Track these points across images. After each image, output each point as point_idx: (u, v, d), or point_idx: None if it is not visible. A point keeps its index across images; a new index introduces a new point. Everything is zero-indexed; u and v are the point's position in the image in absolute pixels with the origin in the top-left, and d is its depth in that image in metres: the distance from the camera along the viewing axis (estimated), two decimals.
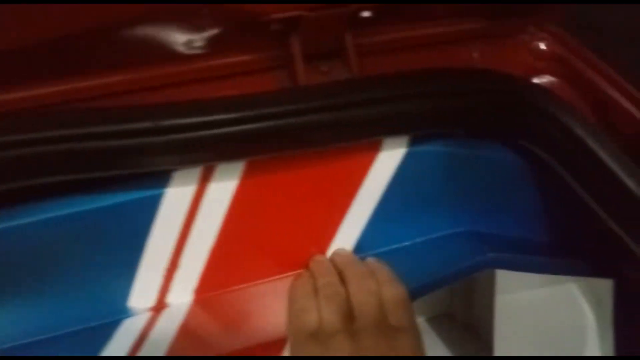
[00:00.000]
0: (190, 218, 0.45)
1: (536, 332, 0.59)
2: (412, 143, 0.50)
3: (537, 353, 0.59)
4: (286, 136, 0.42)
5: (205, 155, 0.42)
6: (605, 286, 0.53)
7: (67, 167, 0.39)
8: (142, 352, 0.43)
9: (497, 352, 0.63)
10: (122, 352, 0.44)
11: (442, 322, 0.80)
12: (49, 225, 0.41)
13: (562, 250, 0.55)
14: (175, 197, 0.44)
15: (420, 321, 0.80)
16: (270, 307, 0.48)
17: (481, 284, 0.65)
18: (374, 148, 0.49)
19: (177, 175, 0.44)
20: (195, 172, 0.44)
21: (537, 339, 0.59)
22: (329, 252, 0.52)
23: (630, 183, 0.45)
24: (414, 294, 0.49)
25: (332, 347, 0.39)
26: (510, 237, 0.55)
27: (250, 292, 0.49)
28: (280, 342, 0.47)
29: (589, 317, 0.55)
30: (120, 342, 0.44)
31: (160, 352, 0.44)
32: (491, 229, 0.55)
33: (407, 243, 0.53)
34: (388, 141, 0.50)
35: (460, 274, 0.52)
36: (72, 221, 0.42)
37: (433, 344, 0.76)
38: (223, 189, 0.45)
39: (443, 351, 0.73)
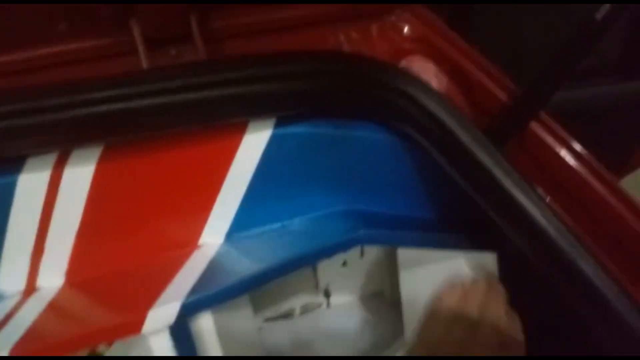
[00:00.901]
0: (50, 203, 0.47)
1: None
2: (278, 125, 0.51)
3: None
4: (127, 120, 0.43)
5: (52, 138, 0.43)
6: (490, 259, 0.52)
7: None
8: (4, 331, 0.45)
9: (407, 324, 0.63)
10: None
11: (373, 300, 0.80)
12: None
13: (444, 225, 0.55)
14: (30, 183, 0.45)
15: (353, 300, 0.81)
16: (137, 289, 0.49)
17: None
18: (239, 131, 0.50)
19: (31, 162, 0.46)
20: (50, 158, 0.46)
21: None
22: (204, 234, 0.53)
23: (484, 159, 0.45)
24: (284, 269, 0.50)
25: None
26: (390, 215, 0.55)
27: (120, 275, 0.50)
28: (139, 323, 0.47)
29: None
30: None
31: (23, 328, 0.45)
32: (369, 208, 0.55)
33: (282, 223, 0.54)
34: (253, 124, 0.50)
35: (331, 250, 0.52)
36: None
37: (364, 322, 0.76)
38: (81, 174, 0.47)
39: (373, 328, 0.73)
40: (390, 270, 0.75)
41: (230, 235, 0.53)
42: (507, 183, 0.44)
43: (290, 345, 0.74)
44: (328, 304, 0.81)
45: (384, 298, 0.80)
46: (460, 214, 0.54)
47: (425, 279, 0.58)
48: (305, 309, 0.81)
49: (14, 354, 0.41)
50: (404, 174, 0.53)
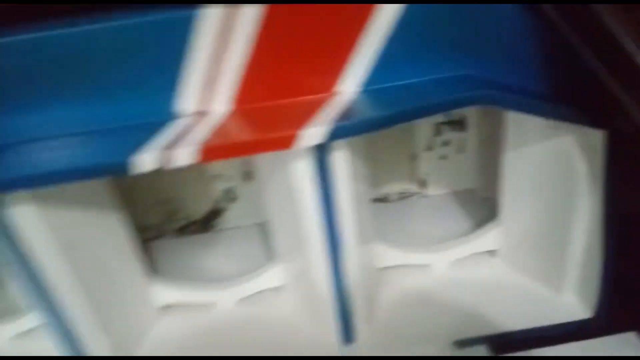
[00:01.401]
0: (224, 37, 0.53)
1: (534, 184, 0.64)
2: None
3: (535, 204, 0.64)
4: None
5: None
6: (597, 138, 0.57)
7: None
8: (189, 136, 0.53)
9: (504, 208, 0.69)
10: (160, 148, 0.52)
11: (465, 195, 0.86)
12: (102, 33, 0.51)
13: (557, 98, 0.58)
14: (210, 17, 0.52)
15: (447, 193, 0.87)
16: (292, 118, 0.56)
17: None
18: None
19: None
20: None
21: (536, 192, 0.64)
22: (342, 81, 0.58)
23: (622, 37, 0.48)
24: (412, 115, 0.55)
25: None
26: (508, 83, 0.59)
27: (278, 106, 0.57)
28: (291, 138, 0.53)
29: (581, 168, 0.59)
30: (163, 136, 0.54)
31: (204, 133, 0.52)
32: (491, 75, 0.59)
33: (411, 81, 0.59)
34: None
35: (456, 103, 0.57)
36: (122, 31, 0.51)
37: (455, 214, 0.82)
38: (251, 14, 0.53)
39: (463, 222, 0.80)
40: (487, 168, 0.80)
41: (364, 86, 0.58)
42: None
43: (386, 224, 0.81)
44: (423, 194, 0.88)
45: (475, 195, 0.86)
46: (576, 91, 0.57)
47: (531, 156, 0.63)
48: (401, 196, 0.88)
49: (204, 149, 0.50)
50: (526, 45, 0.56)
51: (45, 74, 0.52)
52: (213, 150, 0.51)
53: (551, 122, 0.59)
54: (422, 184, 0.87)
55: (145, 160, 0.49)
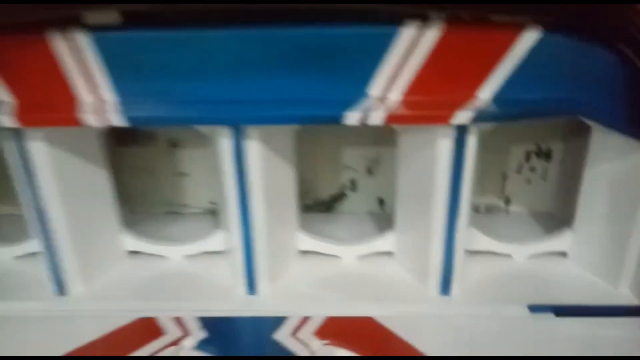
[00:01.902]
0: (411, 48, 0.73)
1: (604, 202, 0.82)
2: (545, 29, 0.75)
3: (603, 216, 0.82)
4: None
5: None
6: None
7: None
8: None
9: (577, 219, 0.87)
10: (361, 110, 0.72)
11: (543, 217, 1.04)
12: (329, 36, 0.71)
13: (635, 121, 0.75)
14: (404, 34, 0.73)
15: (527, 212, 1.06)
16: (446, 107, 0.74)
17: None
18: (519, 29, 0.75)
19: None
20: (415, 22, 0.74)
21: (604, 207, 0.82)
22: (482, 89, 0.76)
23: None
24: (526, 114, 0.75)
25: None
26: (600, 105, 0.77)
27: (436, 100, 0.76)
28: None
29: None
30: (360, 106, 0.71)
31: None
32: (587, 99, 0.76)
33: (526, 96, 0.76)
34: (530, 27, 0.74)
35: (557, 111, 0.76)
36: (347, 35, 0.70)
37: (534, 231, 1.00)
38: (432, 35, 0.74)
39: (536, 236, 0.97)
40: (565, 194, 0.98)
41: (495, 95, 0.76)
42: None
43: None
44: (507, 210, 1.07)
45: (552, 217, 1.04)
46: None
47: (605, 179, 0.81)
48: (488, 209, 1.07)
49: (389, 115, 0.73)
50: (617, 81, 0.73)
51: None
52: (394, 118, 0.71)
53: (626, 144, 0.77)
54: (507, 201, 1.06)
55: (353, 116, 0.71)
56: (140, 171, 1.02)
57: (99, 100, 0.73)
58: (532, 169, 1.03)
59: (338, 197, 1.07)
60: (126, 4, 0.67)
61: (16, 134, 0.72)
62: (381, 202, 1.06)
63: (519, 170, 1.03)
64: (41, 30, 0.68)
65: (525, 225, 1.02)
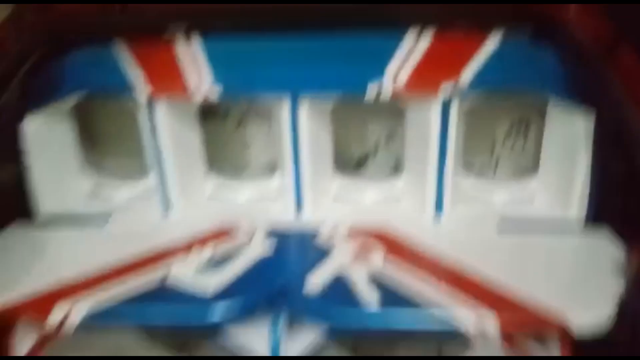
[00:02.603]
0: (414, 47, 1.09)
1: (561, 151, 1.12)
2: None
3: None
4: None
5: None
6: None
7: None
8: None
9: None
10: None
11: (523, 174, 1.34)
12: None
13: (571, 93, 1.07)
14: (409, 38, 1.08)
15: (508, 171, 1.36)
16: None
17: None
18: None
19: None
20: None
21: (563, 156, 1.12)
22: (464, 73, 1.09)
23: None
24: (501, 88, 1.09)
25: None
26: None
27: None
28: None
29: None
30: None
31: None
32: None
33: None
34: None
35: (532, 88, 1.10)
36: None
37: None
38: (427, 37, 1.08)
39: None
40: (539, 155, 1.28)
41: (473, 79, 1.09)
42: None
43: None
44: (495, 170, 1.37)
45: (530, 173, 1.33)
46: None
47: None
48: (481, 167, 1.38)
49: (407, 83, 1.07)
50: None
51: None
52: (401, 92, 1.04)
53: (568, 110, 1.07)
54: (496, 162, 1.36)
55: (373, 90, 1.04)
56: (214, 142, 1.38)
57: (202, 82, 1.08)
58: (515, 138, 1.33)
59: (362, 161, 1.40)
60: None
61: (148, 104, 1.08)
62: (397, 165, 1.38)
63: (505, 138, 1.34)
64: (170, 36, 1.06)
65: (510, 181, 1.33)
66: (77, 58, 1.14)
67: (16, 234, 1.12)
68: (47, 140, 1.16)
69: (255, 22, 1.12)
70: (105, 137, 1.33)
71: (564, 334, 0.84)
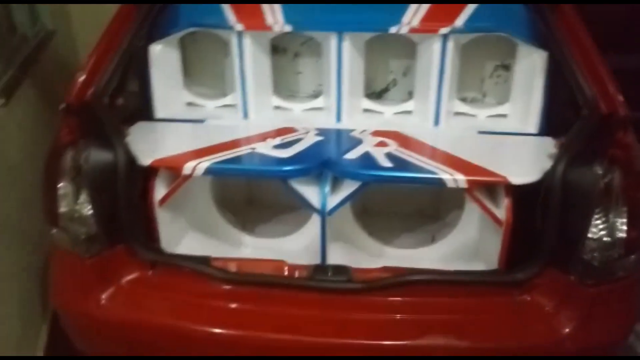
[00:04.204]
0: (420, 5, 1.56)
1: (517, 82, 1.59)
2: None
3: None
4: None
5: None
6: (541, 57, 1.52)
7: None
8: None
9: None
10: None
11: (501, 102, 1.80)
12: None
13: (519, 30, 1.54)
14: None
15: (492, 102, 1.83)
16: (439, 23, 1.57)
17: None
18: None
19: None
20: None
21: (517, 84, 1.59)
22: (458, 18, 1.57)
23: None
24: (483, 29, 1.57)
25: None
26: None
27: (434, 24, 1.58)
28: None
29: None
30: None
31: None
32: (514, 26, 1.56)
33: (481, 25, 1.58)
34: None
35: (489, 29, 1.58)
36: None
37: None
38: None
39: None
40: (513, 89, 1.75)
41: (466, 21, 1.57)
42: None
43: None
44: (483, 100, 1.84)
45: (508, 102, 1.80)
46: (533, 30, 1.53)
47: None
48: (472, 99, 1.85)
49: (420, 25, 1.55)
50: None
51: None
52: (413, 30, 1.53)
53: (532, 49, 1.53)
54: (484, 95, 1.83)
55: (394, 29, 1.53)
56: (275, 70, 1.85)
57: (277, 22, 1.56)
58: (499, 76, 1.79)
59: (384, 90, 1.88)
60: None
61: (238, 35, 1.58)
62: (410, 93, 1.85)
63: (490, 76, 1.80)
64: None
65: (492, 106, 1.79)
66: (187, 2, 1.63)
67: (144, 126, 1.62)
68: (163, 62, 1.66)
69: None
70: (200, 64, 1.82)
71: (508, 186, 1.33)
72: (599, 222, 1.24)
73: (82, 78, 1.45)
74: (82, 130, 1.39)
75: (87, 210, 1.36)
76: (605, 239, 1.24)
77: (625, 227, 1.23)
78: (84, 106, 1.41)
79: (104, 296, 1.39)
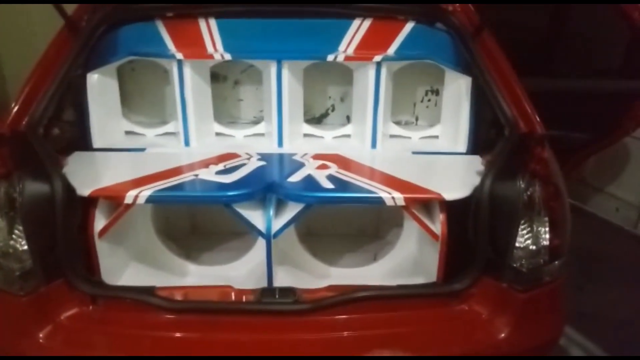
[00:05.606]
0: (356, 30, 1.65)
1: (452, 104, 1.71)
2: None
3: None
4: None
5: None
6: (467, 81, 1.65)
7: None
8: None
9: None
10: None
11: (432, 124, 1.92)
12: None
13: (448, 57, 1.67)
14: (354, 24, 1.64)
15: (424, 124, 1.94)
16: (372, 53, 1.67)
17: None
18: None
19: None
20: None
21: (452, 107, 1.71)
22: (391, 47, 1.67)
23: None
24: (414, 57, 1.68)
25: None
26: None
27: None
28: None
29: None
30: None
31: None
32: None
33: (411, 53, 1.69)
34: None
35: (424, 57, 1.69)
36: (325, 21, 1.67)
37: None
38: (366, 24, 1.65)
39: None
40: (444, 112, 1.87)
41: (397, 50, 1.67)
42: None
43: None
44: (415, 123, 1.95)
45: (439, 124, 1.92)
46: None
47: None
48: (406, 122, 1.95)
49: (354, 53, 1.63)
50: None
51: None
52: (348, 58, 1.62)
53: (458, 75, 1.66)
54: (417, 118, 1.94)
55: (331, 57, 1.60)
56: (216, 98, 1.88)
57: (217, 50, 1.60)
58: (429, 100, 1.91)
59: (324, 115, 1.94)
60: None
61: (178, 63, 1.59)
62: (348, 117, 1.93)
63: (422, 100, 1.91)
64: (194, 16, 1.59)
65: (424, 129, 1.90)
66: (126, 31, 1.63)
67: (82, 156, 1.59)
68: (101, 90, 1.64)
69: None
70: (139, 92, 1.82)
71: (442, 202, 1.41)
72: (524, 231, 1.34)
73: (15, 108, 1.41)
74: (15, 161, 1.35)
75: (22, 245, 1.31)
76: (531, 247, 1.34)
77: (548, 236, 1.34)
78: (18, 136, 1.37)
79: (41, 335, 1.33)
